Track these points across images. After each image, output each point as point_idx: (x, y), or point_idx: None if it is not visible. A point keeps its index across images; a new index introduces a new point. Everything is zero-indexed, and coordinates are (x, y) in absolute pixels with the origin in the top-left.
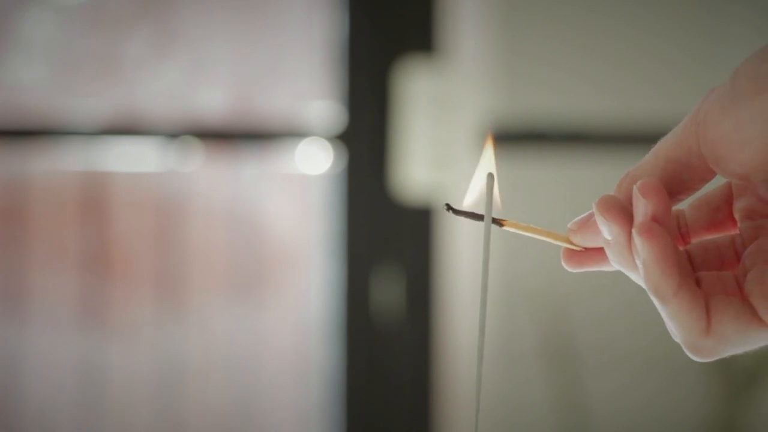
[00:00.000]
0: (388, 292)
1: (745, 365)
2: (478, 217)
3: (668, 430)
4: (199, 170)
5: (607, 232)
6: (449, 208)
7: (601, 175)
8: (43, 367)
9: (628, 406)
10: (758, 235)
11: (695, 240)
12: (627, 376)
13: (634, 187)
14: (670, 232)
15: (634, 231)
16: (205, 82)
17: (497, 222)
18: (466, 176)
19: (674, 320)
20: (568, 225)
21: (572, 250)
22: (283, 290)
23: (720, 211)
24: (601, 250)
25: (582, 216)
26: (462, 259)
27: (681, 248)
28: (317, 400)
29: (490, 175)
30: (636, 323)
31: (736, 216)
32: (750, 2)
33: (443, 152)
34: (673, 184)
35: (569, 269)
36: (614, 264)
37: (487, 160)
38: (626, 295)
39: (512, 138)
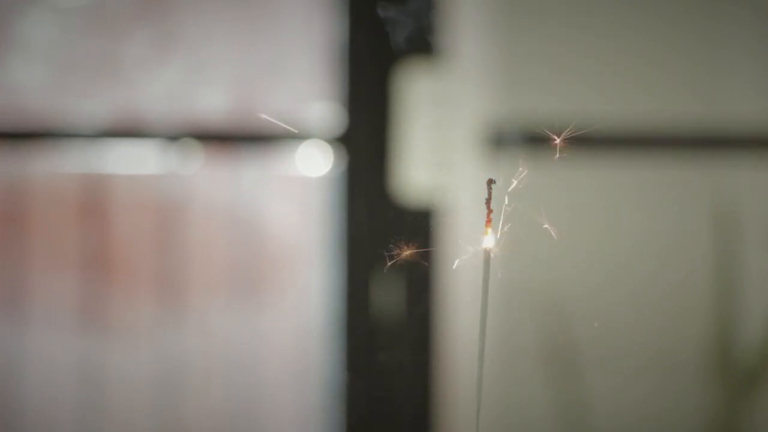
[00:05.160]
0: (388, 293)
1: (744, 363)
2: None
3: (667, 427)
4: (199, 172)
5: None
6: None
7: (600, 176)
8: (44, 368)
9: (628, 403)
10: None
11: None
12: (626, 373)
13: None
14: None
15: None
16: (205, 84)
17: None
18: (466, 178)
19: None
20: None
21: None
22: (284, 292)
23: None
24: None
25: None
26: (462, 259)
27: None
28: (317, 400)
29: (487, 251)
30: (635, 320)
31: None
32: (747, 5)
33: (443, 154)
34: None
35: None
36: None
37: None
38: (626, 292)
39: (511, 140)
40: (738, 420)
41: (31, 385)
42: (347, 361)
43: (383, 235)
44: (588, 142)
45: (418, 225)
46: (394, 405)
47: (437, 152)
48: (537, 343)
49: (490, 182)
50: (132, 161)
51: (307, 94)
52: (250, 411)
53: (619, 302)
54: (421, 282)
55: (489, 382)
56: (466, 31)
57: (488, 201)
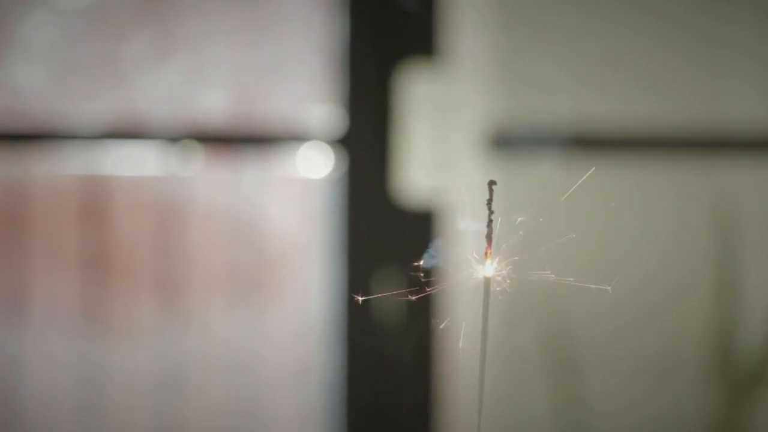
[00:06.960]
0: (388, 294)
1: (745, 364)
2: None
3: (667, 427)
4: (199, 174)
5: None
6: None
7: (601, 177)
8: (45, 369)
9: (627, 403)
10: None
11: None
12: (626, 374)
13: None
14: None
15: None
16: (206, 86)
17: None
18: (467, 179)
19: None
20: None
21: None
22: (284, 293)
23: None
24: None
25: None
26: (462, 259)
27: None
28: (317, 401)
29: (487, 279)
30: (635, 320)
31: None
32: (747, 5)
33: (444, 155)
34: None
35: None
36: None
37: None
38: (625, 293)
39: (512, 141)
40: (738, 420)
41: (32, 385)
42: (347, 363)
43: (384, 237)
44: (588, 142)
45: (420, 227)
46: (395, 405)
47: (438, 154)
48: (537, 344)
49: (492, 183)
50: (132, 163)
51: (308, 95)
52: (250, 411)
53: (619, 302)
54: (421, 282)
55: (489, 383)
56: (467, 32)
57: (489, 202)
